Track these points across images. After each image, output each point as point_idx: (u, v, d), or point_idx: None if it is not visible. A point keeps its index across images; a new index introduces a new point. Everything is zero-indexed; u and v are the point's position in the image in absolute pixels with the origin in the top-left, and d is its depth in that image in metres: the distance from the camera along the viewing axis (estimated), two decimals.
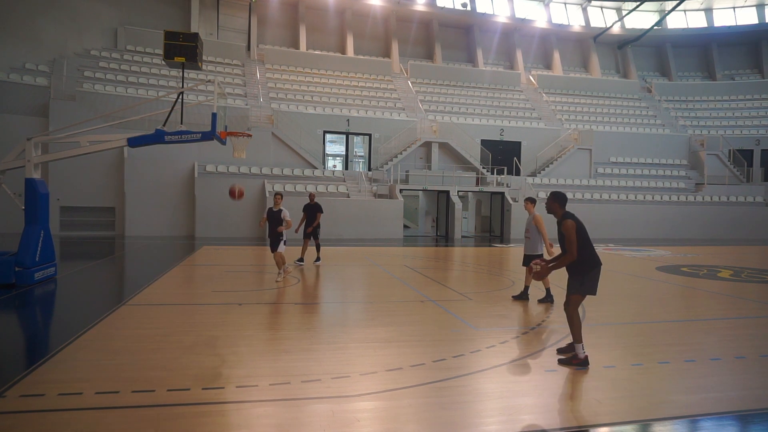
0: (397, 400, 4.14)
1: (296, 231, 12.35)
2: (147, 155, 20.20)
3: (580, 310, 5.57)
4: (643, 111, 33.80)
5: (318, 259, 12.74)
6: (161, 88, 25.08)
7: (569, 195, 24.85)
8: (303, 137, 24.55)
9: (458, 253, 17.39)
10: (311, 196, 12.79)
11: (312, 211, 12.46)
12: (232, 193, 9.64)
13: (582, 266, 5.09)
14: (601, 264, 5.17)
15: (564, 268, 5.21)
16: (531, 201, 8.43)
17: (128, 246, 16.93)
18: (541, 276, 5.32)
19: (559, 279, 10.33)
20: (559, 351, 5.42)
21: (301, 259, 12.45)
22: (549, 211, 5.32)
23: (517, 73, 34.59)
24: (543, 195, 25.21)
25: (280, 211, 9.83)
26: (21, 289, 8.62)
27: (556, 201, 5.19)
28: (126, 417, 3.76)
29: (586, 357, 5.05)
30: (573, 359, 5.07)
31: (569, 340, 6.00)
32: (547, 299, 8.33)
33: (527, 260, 8.37)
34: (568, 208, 5.36)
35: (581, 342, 5.08)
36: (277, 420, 3.76)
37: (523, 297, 8.52)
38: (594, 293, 5.17)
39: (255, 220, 21.51)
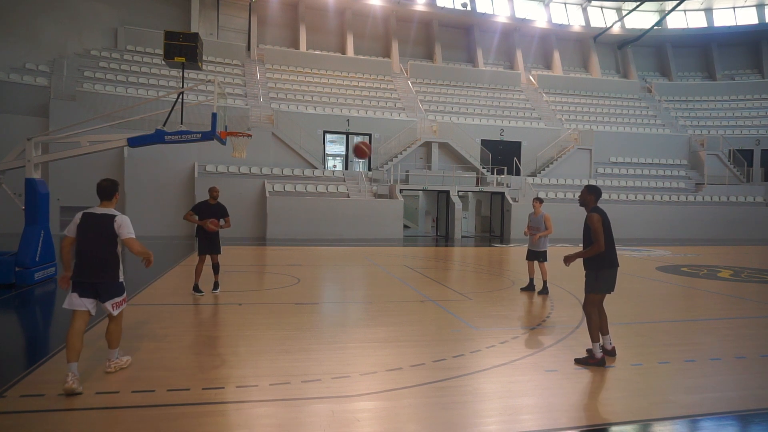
0: (397, 400, 4.14)
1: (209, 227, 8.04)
2: (147, 155, 20.19)
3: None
4: (643, 111, 33.79)
5: (216, 286, 8.69)
6: (161, 88, 25.07)
7: (569, 195, 24.87)
8: (303, 137, 24.55)
9: (458, 253, 17.38)
10: (214, 191, 8.42)
11: (219, 213, 8.31)
12: (360, 152, 8.07)
13: (599, 262, 5.09)
14: (617, 266, 5.17)
15: (582, 263, 5.23)
16: (540, 201, 9.35)
17: None
18: (568, 262, 5.23)
19: (568, 280, 10.33)
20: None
21: (198, 288, 8.46)
22: (582, 204, 5.29)
23: (517, 73, 34.58)
24: (543, 195, 25.22)
25: (111, 218, 4.47)
26: (21, 289, 8.63)
27: (592, 194, 5.20)
28: (126, 417, 3.76)
29: (603, 357, 5.06)
30: (590, 359, 5.08)
31: (570, 339, 6.02)
32: (544, 291, 9.02)
33: (531, 255, 9.22)
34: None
35: (598, 341, 5.08)
36: (277, 420, 3.76)
37: (529, 288, 9.25)
38: (611, 291, 5.16)
39: (255, 220, 21.50)
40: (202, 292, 8.42)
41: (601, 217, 5.06)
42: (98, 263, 4.39)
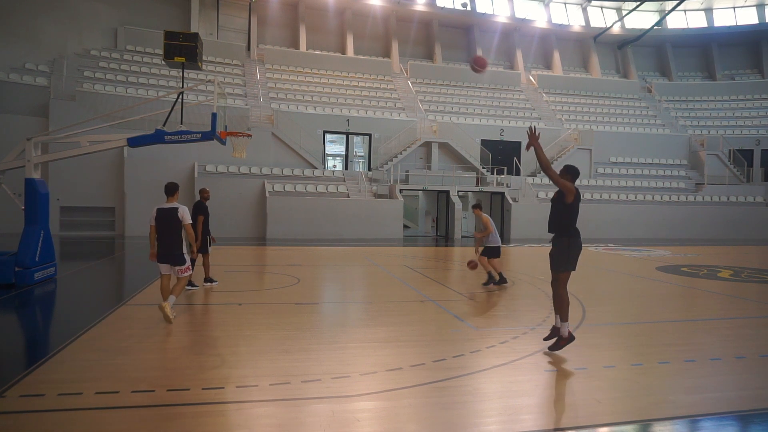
0: (397, 400, 4.13)
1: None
2: (147, 155, 20.19)
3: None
4: (643, 111, 33.80)
5: (194, 284, 8.93)
6: (161, 88, 25.07)
7: None
8: (303, 137, 24.55)
9: (458, 253, 17.37)
10: (207, 193, 9.43)
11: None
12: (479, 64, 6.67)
13: (567, 230, 5.26)
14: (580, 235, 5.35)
15: (553, 239, 5.41)
16: (479, 207, 9.82)
17: (128, 246, 16.93)
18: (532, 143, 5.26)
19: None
20: (546, 339, 5.57)
21: (192, 283, 8.86)
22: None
23: (517, 73, 34.58)
24: (543, 195, 25.23)
25: (176, 210, 6.38)
26: (21, 289, 8.62)
27: (568, 173, 5.35)
28: (126, 417, 3.76)
29: (570, 333, 5.26)
30: (560, 341, 5.24)
31: None
32: (502, 281, 9.59)
33: (489, 252, 9.60)
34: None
35: (567, 321, 5.26)
36: (277, 420, 3.76)
37: (502, 281, 9.67)
38: (575, 268, 5.34)
39: (255, 220, 21.51)
40: (196, 286, 8.96)
41: (575, 194, 5.19)
42: (169, 243, 6.34)
